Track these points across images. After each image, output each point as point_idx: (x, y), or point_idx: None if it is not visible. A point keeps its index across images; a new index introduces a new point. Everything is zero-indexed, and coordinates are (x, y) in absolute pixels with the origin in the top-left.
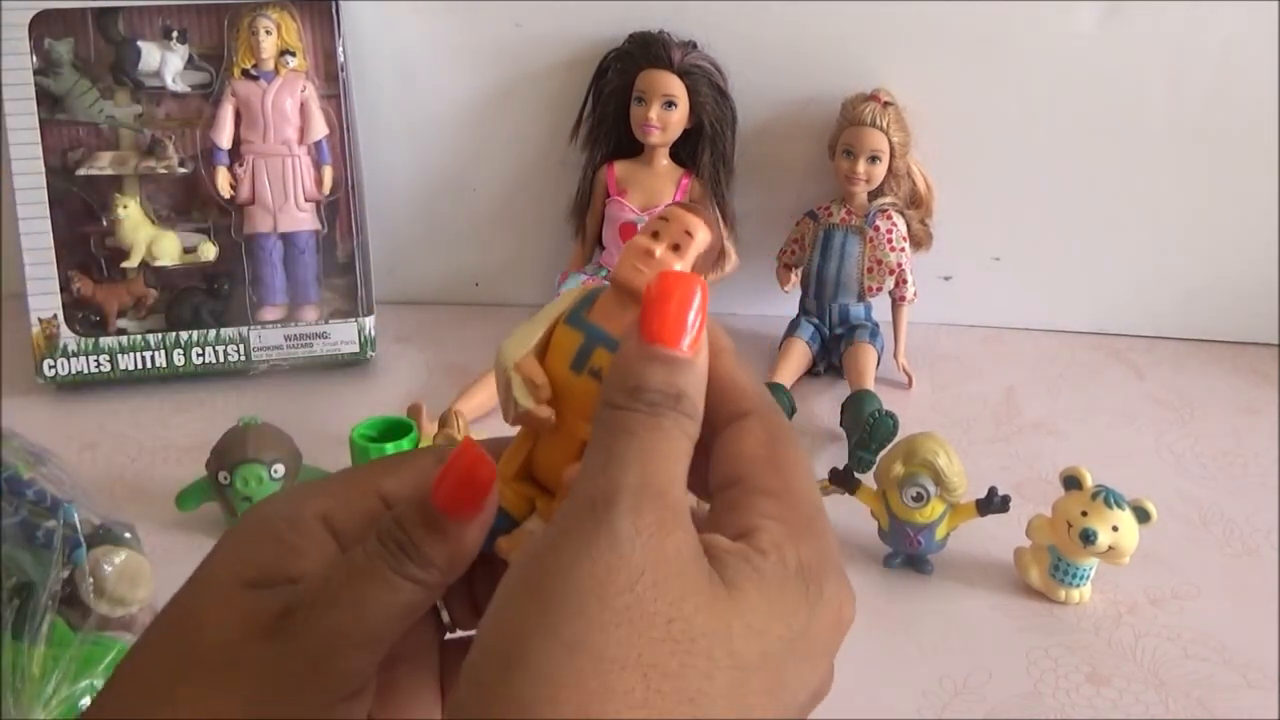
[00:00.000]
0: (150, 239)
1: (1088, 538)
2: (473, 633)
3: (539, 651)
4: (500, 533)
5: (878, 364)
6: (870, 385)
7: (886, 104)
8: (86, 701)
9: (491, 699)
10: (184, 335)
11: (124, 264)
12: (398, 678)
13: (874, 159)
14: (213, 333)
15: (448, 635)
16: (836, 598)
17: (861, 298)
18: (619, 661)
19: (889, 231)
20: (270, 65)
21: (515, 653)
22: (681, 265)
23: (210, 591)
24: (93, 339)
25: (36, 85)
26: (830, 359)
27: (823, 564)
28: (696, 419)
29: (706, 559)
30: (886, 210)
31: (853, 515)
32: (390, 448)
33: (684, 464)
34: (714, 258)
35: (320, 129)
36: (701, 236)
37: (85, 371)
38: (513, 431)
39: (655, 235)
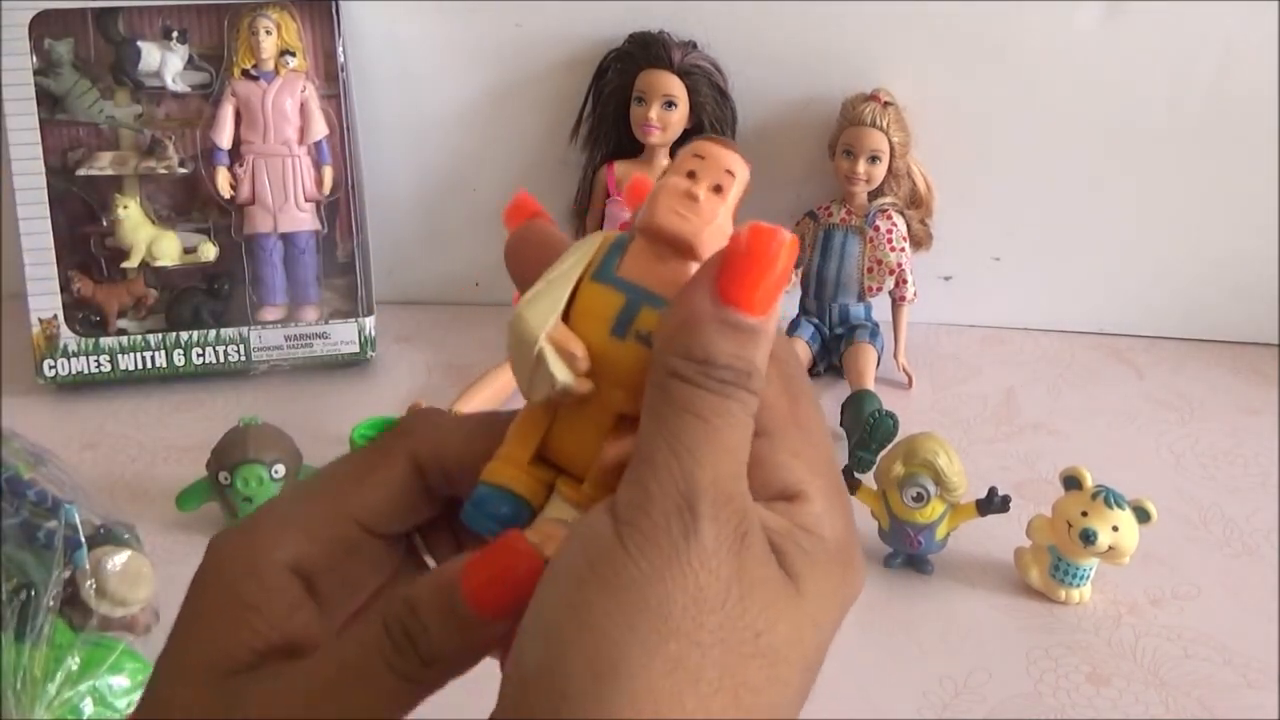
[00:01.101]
0: (150, 239)
1: (1088, 538)
2: None
3: (636, 669)
4: (508, 522)
5: (878, 364)
6: (870, 385)
7: (886, 104)
8: (88, 702)
9: (581, 710)
10: (184, 335)
11: (124, 264)
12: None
13: (874, 159)
14: (213, 333)
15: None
16: (860, 567)
17: (861, 298)
18: (714, 684)
19: (889, 231)
20: (270, 65)
21: (607, 666)
22: (724, 210)
23: (175, 690)
24: (93, 339)
25: (36, 85)
26: (830, 359)
27: (850, 536)
28: (760, 398)
29: (773, 556)
30: (886, 210)
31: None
32: None
33: (749, 448)
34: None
35: (320, 129)
36: (742, 175)
37: (85, 372)
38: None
39: (692, 175)
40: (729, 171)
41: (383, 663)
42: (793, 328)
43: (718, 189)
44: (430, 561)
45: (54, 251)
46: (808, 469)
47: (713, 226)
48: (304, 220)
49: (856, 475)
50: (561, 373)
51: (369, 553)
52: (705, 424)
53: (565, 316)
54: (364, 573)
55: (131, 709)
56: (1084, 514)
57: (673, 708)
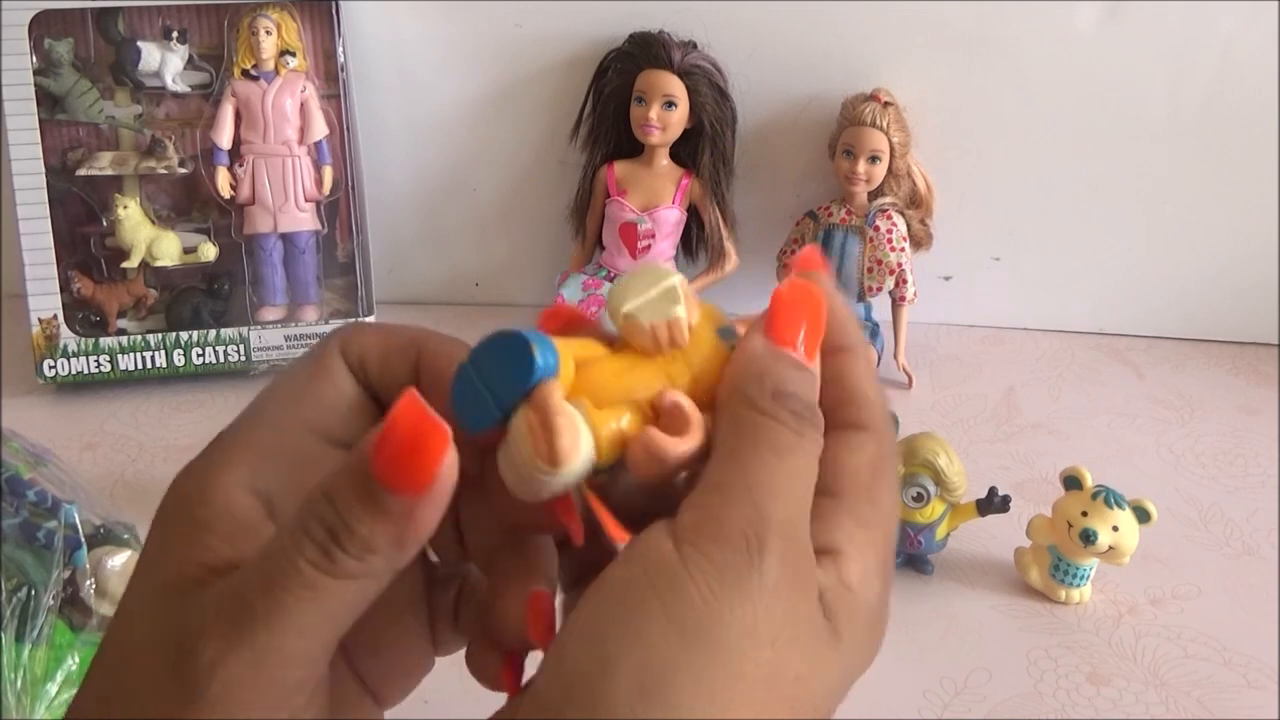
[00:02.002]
0: (150, 239)
1: (1088, 538)
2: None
3: (681, 692)
4: (545, 368)
5: (878, 364)
6: None
7: (886, 104)
8: None
9: None
10: (184, 335)
11: (124, 264)
12: (381, 632)
13: (874, 159)
14: (213, 333)
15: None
16: (882, 636)
17: (861, 298)
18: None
19: (889, 231)
20: (270, 65)
21: (657, 688)
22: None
23: (131, 613)
24: (93, 339)
25: (36, 85)
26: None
27: (884, 610)
28: (821, 436)
29: (819, 601)
30: (886, 210)
31: None
32: None
33: (811, 497)
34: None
35: (320, 129)
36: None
37: (85, 372)
38: None
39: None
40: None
41: (307, 564)
42: None
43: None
44: None
45: (54, 251)
46: (864, 537)
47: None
48: (304, 220)
49: None
50: (674, 308)
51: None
52: (780, 460)
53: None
54: None
55: None
56: (1084, 514)
57: None
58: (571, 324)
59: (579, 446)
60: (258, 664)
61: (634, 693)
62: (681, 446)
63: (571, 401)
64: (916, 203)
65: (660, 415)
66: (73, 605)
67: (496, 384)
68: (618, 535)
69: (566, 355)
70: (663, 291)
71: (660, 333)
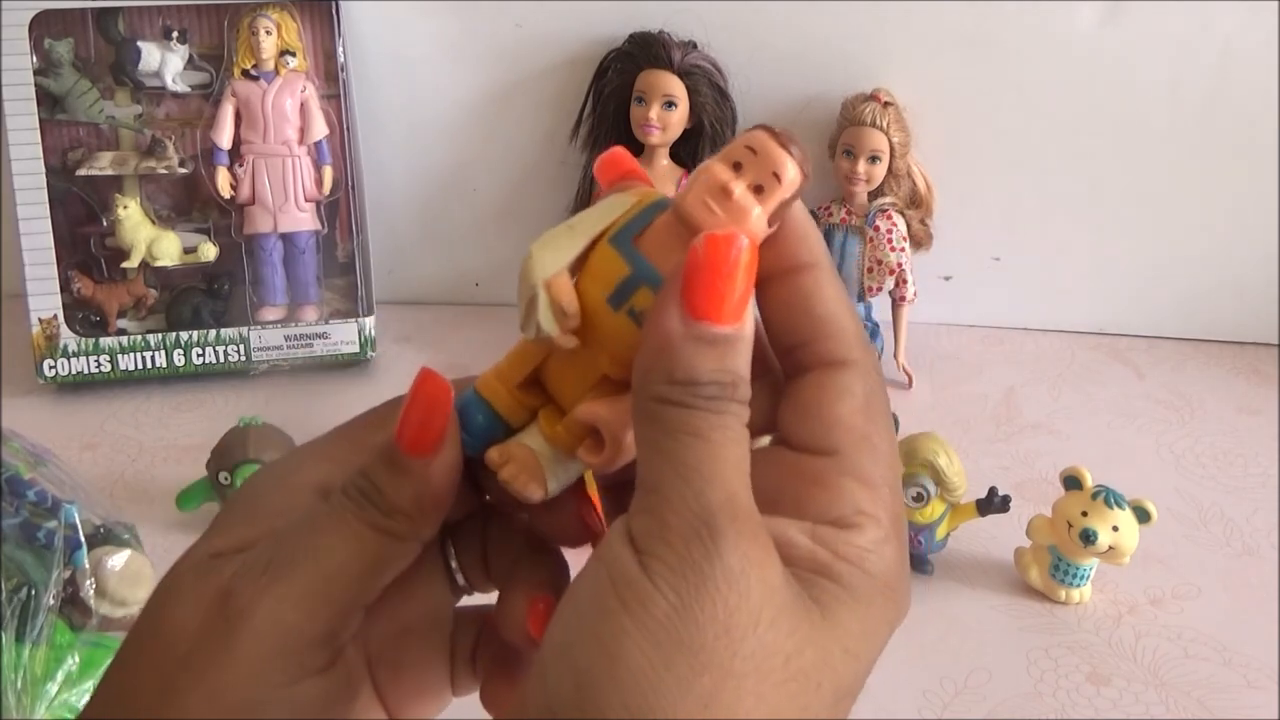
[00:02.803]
0: (150, 239)
1: (1088, 538)
2: (486, 600)
3: (673, 705)
4: (481, 433)
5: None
6: None
7: (886, 104)
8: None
9: None
10: (184, 335)
11: (124, 264)
12: (405, 651)
13: (874, 159)
14: (213, 333)
15: (460, 604)
16: (906, 600)
17: (861, 298)
18: (749, 714)
19: (889, 231)
20: (270, 65)
21: (644, 706)
22: (761, 212)
23: (181, 570)
24: (93, 339)
25: (36, 85)
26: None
27: (903, 568)
28: (749, 405)
29: (791, 576)
30: (886, 210)
31: None
32: None
33: (749, 463)
34: (794, 202)
35: (320, 129)
36: (790, 179)
37: (85, 372)
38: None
39: (737, 167)
40: (775, 174)
41: (350, 515)
42: None
43: (759, 189)
44: None
45: (54, 251)
46: (871, 498)
47: (743, 227)
48: (304, 220)
49: None
50: (549, 324)
51: None
52: (705, 442)
53: (577, 267)
54: None
55: None
56: (1084, 514)
57: None
58: (627, 176)
59: (543, 481)
60: (294, 603)
61: (618, 711)
62: (533, 492)
63: (522, 437)
64: (916, 203)
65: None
66: (73, 605)
67: (466, 432)
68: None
69: (515, 376)
70: (530, 305)
71: (553, 345)
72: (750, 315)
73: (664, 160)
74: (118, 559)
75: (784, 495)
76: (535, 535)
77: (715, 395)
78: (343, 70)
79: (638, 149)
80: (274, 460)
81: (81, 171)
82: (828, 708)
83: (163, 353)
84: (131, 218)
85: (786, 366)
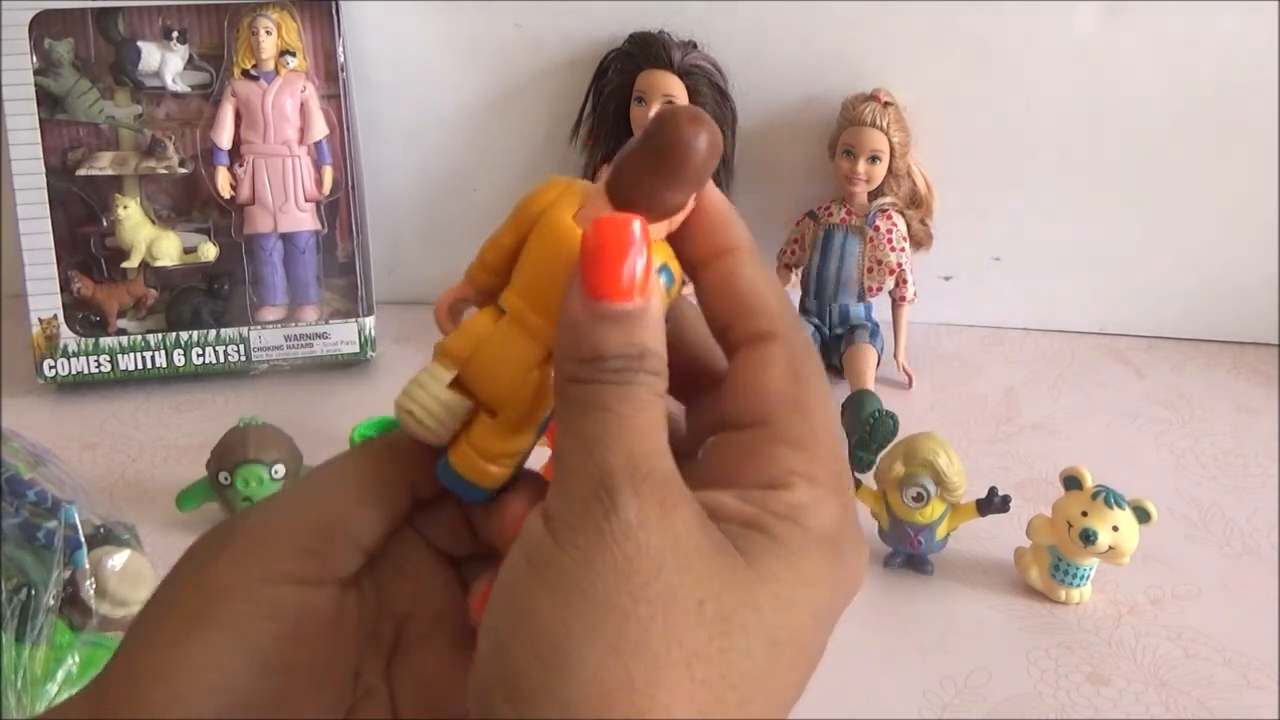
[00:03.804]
0: (150, 239)
1: (1088, 538)
2: None
3: (582, 653)
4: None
5: (878, 364)
6: (870, 385)
7: (886, 104)
8: None
9: (536, 704)
10: (184, 335)
11: (124, 264)
12: (418, 670)
13: (874, 159)
14: (213, 333)
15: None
16: (855, 559)
17: (861, 298)
18: (662, 656)
19: (889, 231)
20: (270, 65)
21: (555, 656)
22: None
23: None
24: (93, 339)
25: (36, 85)
26: (830, 359)
27: (844, 525)
28: (664, 373)
29: (715, 527)
30: (886, 210)
31: None
32: None
33: (664, 426)
34: (711, 169)
35: (320, 129)
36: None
37: (85, 372)
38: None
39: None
40: None
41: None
42: None
43: None
44: None
45: (54, 251)
46: (804, 458)
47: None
48: (304, 220)
49: (857, 475)
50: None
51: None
52: (608, 412)
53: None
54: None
55: None
56: (1084, 514)
57: (625, 687)
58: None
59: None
60: (291, 507)
61: (538, 672)
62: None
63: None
64: (916, 203)
65: None
66: (73, 605)
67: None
68: None
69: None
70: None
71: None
72: (655, 295)
73: None
74: (118, 559)
75: (722, 472)
76: None
77: (621, 368)
78: (343, 70)
79: None
80: (279, 495)
81: (81, 171)
82: (763, 651)
83: (163, 353)
84: (131, 218)
85: (725, 350)
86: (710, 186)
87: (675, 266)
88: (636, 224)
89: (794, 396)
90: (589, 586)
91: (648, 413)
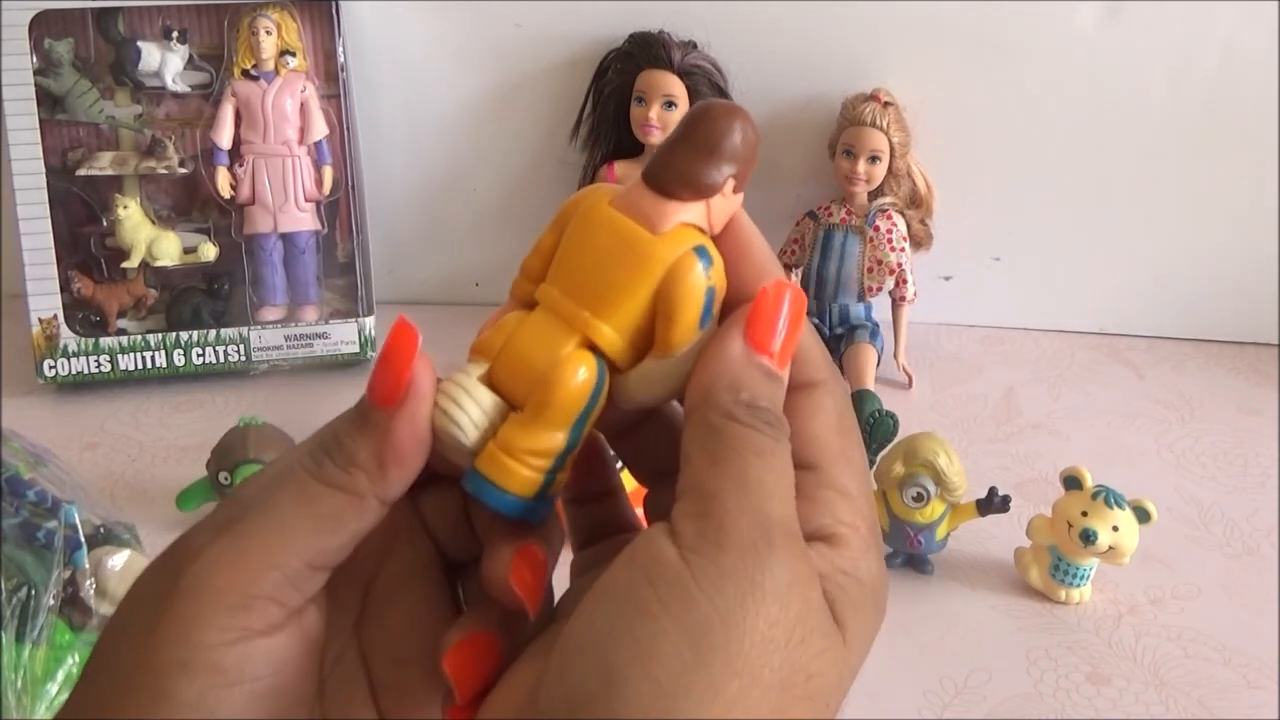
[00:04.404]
0: (150, 239)
1: (1088, 538)
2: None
3: (698, 704)
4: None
5: (878, 364)
6: (870, 385)
7: (886, 104)
8: None
9: None
10: (184, 335)
11: (124, 264)
12: (408, 676)
13: (874, 159)
14: (213, 333)
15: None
16: (885, 605)
17: (861, 298)
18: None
19: (889, 231)
20: (270, 65)
21: (670, 702)
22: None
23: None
24: (93, 339)
25: (36, 85)
26: (830, 359)
27: (884, 576)
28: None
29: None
30: (886, 210)
31: None
32: None
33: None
34: (751, 166)
35: (320, 129)
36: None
37: (85, 372)
38: None
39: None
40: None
41: (302, 472)
42: None
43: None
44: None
45: (54, 251)
46: (850, 508)
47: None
48: (304, 220)
49: None
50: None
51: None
52: (765, 464)
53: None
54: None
55: None
56: (1084, 514)
57: None
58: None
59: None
60: (240, 552)
61: (646, 708)
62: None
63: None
64: (916, 203)
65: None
66: (73, 605)
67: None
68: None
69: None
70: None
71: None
72: (787, 372)
73: None
74: (118, 559)
75: None
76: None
77: (773, 423)
78: (343, 70)
79: (638, 149)
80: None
81: (81, 171)
82: (823, 711)
83: (163, 353)
84: (131, 218)
85: None
86: (753, 231)
87: (714, 253)
88: (803, 299)
89: (841, 446)
90: (725, 642)
91: (791, 476)
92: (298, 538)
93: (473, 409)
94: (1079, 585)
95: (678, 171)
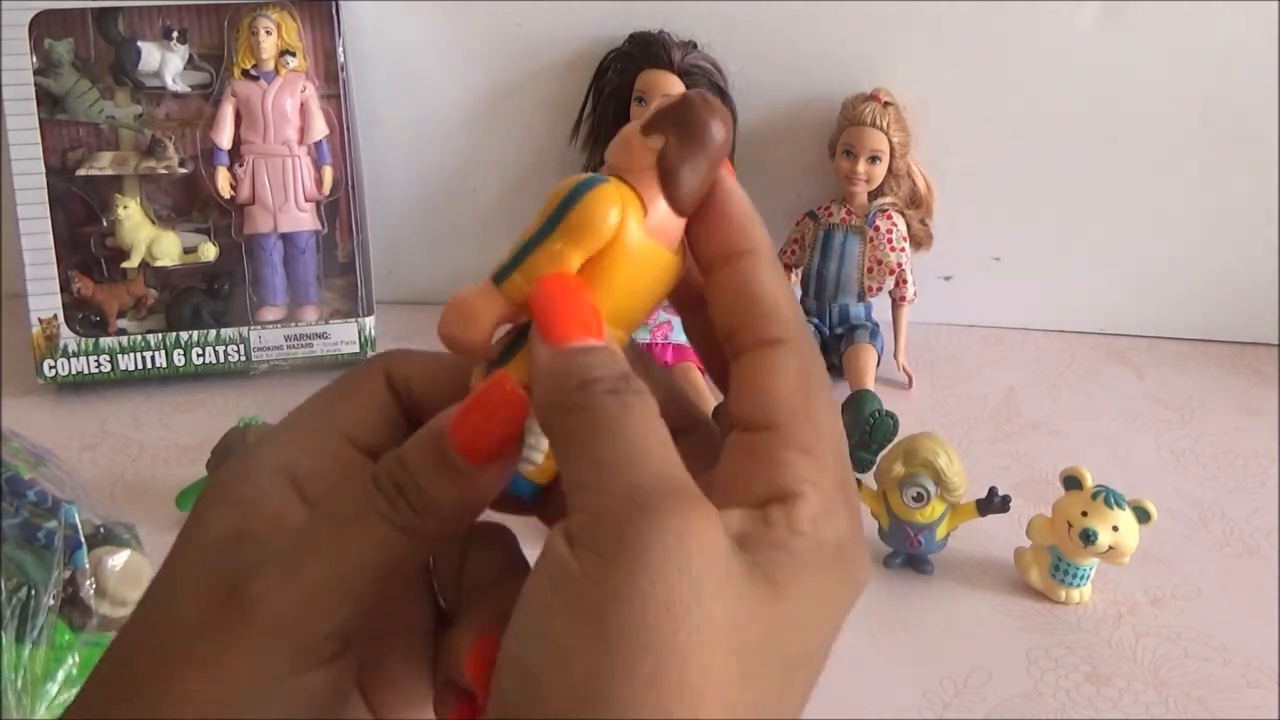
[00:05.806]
0: (150, 239)
1: (1088, 538)
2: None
3: (618, 690)
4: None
5: (878, 364)
6: (870, 385)
7: (886, 104)
8: None
9: None
10: (184, 335)
11: (124, 264)
12: (387, 670)
13: (874, 159)
14: (213, 333)
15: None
16: (861, 569)
17: (861, 298)
18: (697, 689)
19: (889, 231)
20: (270, 65)
21: (588, 691)
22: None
23: (179, 565)
24: (93, 339)
25: (36, 85)
26: (830, 359)
27: (855, 538)
28: (650, 393)
29: (738, 548)
30: (886, 210)
31: None
32: None
33: (671, 440)
34: (720, 159)
35: (320, 129)
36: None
37: (85, 372)
38: None
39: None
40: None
41: (374, 513)
42: None
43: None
44: None
45: (54, 251)
46: (813, 466)
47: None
48: (304, 220)
49: (857, 475)
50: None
51: (360, 470)
52: (622, 430)
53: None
54: None
55: None
56: (1084, 514)
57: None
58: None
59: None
60: (310, 596)
61: (571, 707)
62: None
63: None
64: (916, 203)
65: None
66: (73, 605)
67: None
68: None
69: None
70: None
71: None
72: (604, 329)
73: None
74: (118, 559)
75: (732, 475)
76: (513, 566)
77: (615, 388)
78: (343, 70)
79: None
80: (241, 451)
81: (81, 171)
82: (779, 675)
83: (163, 353)
84: (131, 218)
85: (729, 351)
86: (734, 186)
87: (681, 252)
88: (574, 280)
89: (803, 403)
90: (626, 621)
91: (654, 424)
92: (369, 578)
93: (542, 438)
94: (1079, 585)
95: (701, 193)
